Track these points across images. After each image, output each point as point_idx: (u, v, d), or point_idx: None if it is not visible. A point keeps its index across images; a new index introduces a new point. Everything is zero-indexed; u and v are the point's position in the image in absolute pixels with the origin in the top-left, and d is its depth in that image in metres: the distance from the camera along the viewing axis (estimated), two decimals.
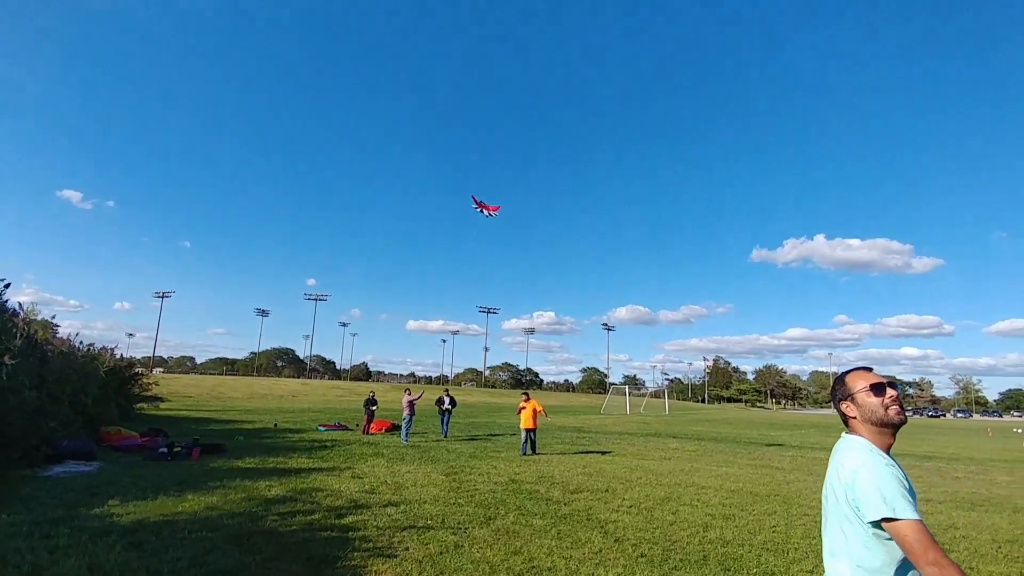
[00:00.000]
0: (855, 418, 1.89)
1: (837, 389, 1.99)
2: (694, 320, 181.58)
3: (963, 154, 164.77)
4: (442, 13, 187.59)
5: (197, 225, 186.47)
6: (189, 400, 42.05)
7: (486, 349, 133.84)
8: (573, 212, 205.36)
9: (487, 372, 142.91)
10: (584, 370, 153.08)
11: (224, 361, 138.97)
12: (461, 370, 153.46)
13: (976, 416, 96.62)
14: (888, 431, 1.84)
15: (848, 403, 1.92)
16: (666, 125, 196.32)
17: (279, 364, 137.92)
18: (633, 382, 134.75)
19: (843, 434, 1.96)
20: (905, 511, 1.60)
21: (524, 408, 14.97)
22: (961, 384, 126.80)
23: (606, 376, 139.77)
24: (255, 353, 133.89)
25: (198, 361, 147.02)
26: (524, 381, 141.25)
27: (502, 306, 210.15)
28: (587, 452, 15.69)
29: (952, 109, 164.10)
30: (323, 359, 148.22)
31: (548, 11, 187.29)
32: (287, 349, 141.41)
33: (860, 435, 1.87)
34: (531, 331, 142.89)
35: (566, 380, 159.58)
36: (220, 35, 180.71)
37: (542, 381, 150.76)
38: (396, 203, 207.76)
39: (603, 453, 15.48)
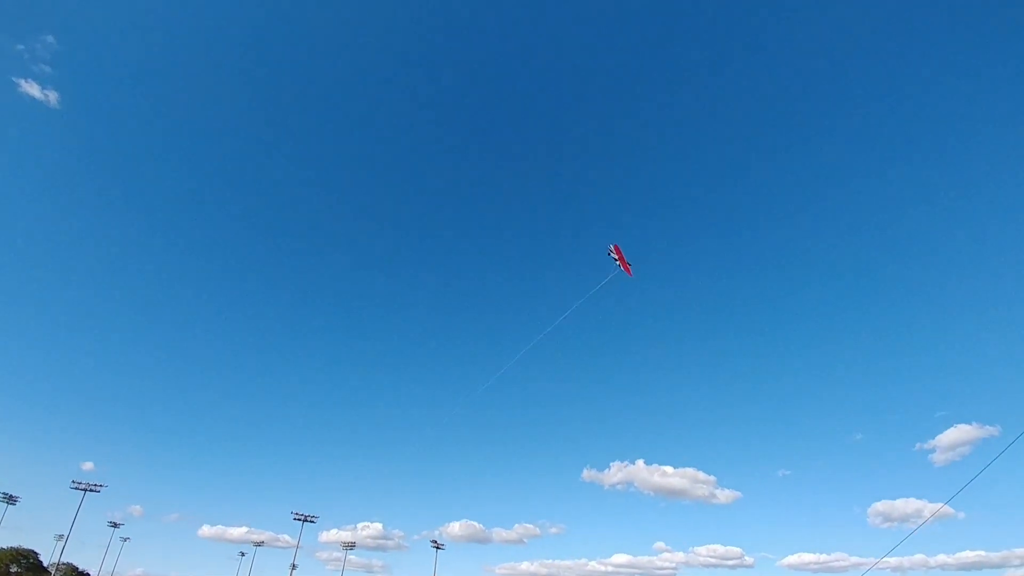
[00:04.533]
0: None
1: None
2: (527, 540, 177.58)
3: (751, 399, 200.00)
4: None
5: None
6: None
7: (293, 566, 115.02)
8: (411, 423, 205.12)
9: None
10: None
11: None
12: None
13: None
14: None
15: None
16: (505, 345, 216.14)
17: (13, 571, 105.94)
18: None
19: None
20: None
21: None
22: None
23: None
24: None
25: None
26: None
27: (322, 514, 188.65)
28: None
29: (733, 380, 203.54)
30: (75, 569, 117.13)
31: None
32: (28, 551, 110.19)
33: None
34: (351, 545, 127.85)
35: None
36: None
37: None
38: (204, 384, 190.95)
39: None
